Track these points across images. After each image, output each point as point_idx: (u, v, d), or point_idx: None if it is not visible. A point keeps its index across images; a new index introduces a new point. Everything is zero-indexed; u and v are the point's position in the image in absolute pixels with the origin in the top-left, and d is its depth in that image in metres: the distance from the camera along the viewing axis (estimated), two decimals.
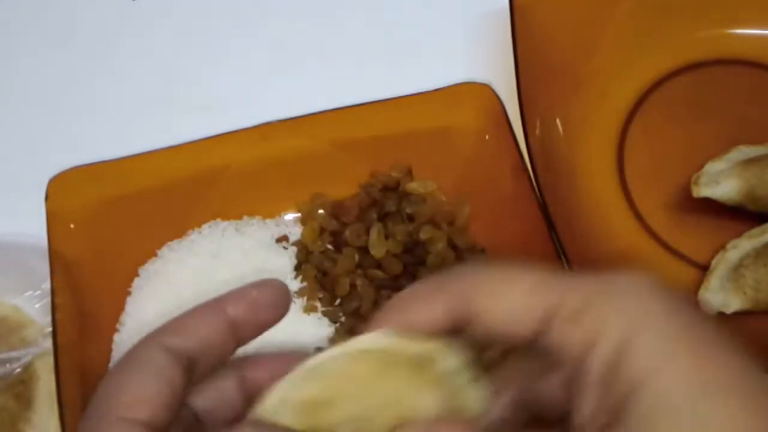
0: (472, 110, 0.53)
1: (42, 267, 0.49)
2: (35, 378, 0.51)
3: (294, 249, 0.53)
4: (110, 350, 0.50)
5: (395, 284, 0.51)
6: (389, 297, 0.50)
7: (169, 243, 0.53)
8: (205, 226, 0.54)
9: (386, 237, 0.52)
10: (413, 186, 0.54)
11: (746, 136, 0.54)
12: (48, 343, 0.49)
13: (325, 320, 0.51)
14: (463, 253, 0.52)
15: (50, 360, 0.47)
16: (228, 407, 0.30)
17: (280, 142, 0.53)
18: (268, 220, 0.55)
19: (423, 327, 0.27)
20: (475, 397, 0.28)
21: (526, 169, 0.51)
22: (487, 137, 0.53)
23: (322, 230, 0.53)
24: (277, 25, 0.64)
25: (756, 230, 0.51)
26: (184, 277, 0.51)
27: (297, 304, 0.51)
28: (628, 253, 0.53)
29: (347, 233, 0.52)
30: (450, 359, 0.28)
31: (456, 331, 0.28)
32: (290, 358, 0.29)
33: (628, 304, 0.26)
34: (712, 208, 0.52)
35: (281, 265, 0.52)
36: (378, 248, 0.51)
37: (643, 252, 0.53)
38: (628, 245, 0.53)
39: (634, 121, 0.57)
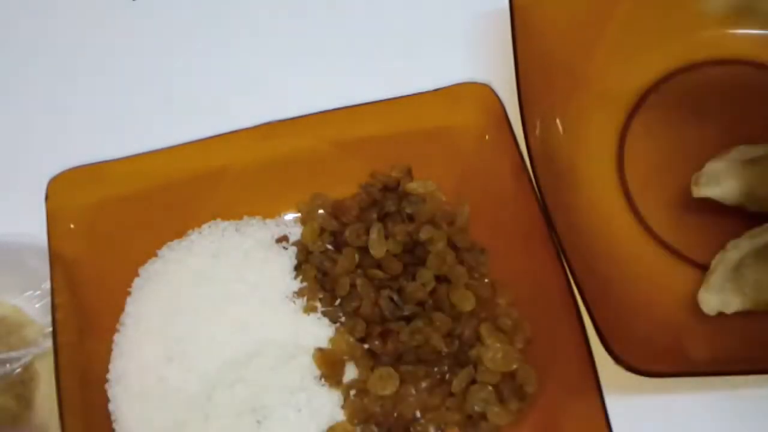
0: (472, 110, 0.53)
1: (42, 267, 0.50)
2: (35, 378, 0.51)
3: (294, 249, 0.53)
4: (110, 350, 0.50)
5: (395, 284, 0.51)
6: (389, 297, 0.50)
7: (169, 243, 0.53)
8: (205, 226, 0.54)
9: (386, 237, 0.52)
10: (413, 186, 0.54)
11: (746, 136, 0.54)
12: (48, 343, 0.50)
13: (325, 320, 0.51)
14: (463, 253, 0.52)
15: (50, 360, 0.47)
16: None
17: (280, 142, 0.53)
18: (268, 220, 0.55)
19: None
20: None
21: (526, 169, 0.51)
22: (487, 137, 0.53)
23: (322, 230, 0.53)
24: (277, 26, 0.64)
25: (756, 230, 0.51)
26: (184, 277, 0.51)
27: (297, 304, 0.51)
28: (628, 253, 0.53)
29: (347, 233, 0.52)
30: None
31: None
32: None
33: None
34: (712, 208, 0.52)
35: (281, 265, 0.52)
36: (378, 248, 0.51)
37: (644, 252, 0.53)
38: (628, 245, 0.53)
39: (635, 121, 0.57)
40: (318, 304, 0.51)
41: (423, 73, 0.55)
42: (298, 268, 0.52)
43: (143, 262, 0.53)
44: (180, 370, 0.49)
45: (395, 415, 0.49)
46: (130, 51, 0.64)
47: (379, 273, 0.51)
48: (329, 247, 0.53)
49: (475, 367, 0.49)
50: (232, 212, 0.54)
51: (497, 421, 0.48)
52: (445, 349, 0.50)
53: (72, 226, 0.51)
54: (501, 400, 0.49)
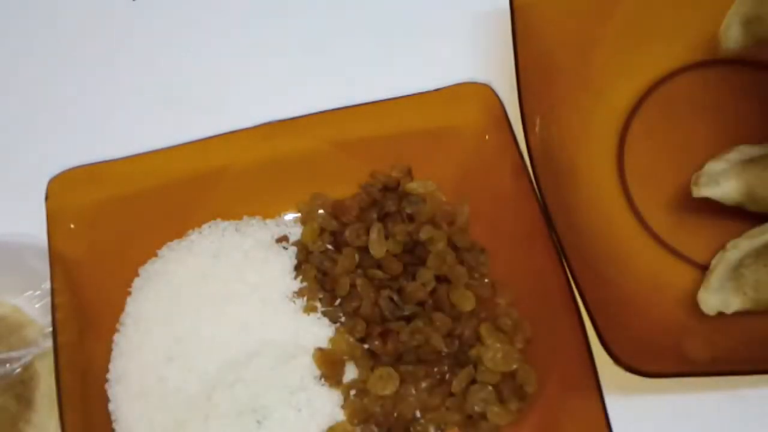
0: (472, 110, 0.53)
1: (42, 267, 0.50)
2: (35, 378, 0.51)
3: (294, 249, 0.53)
4: (110, 350, 0.50)
5: (395, 284, 0.51)
6: (389, 297, 0.50)
7: (169, 243, 0.53)
8: (205, 226, 0.54)
9: (386, 237, 0.52)
10: (413, 186, 0.54)
11: (746, 136, 0.54)
12: (48, 343, 0.50)
13: (325, 320, 0.51)
14: (463, 253, 0.52)
15: (50, 360, 0.47)
16: None
17: (280, 142, 0.53)
18: (268, 220, 0.55)
19: None
20: None
21: (526, 169, 0.51)
22: (487, 137, 0.53)
23: (322, 230, 0.53)
24: (277, 26, 0.64)
25: (756, 230, 0.51)
26: (184, 277, 0.51)
27: (297, 304, 0.51)
28: (628, 253, 0.53)
29: (347, 233, 0.52)
30: None
31: None
32: None
33: None
34: (712, 208, 0.52)
35: (281, 265, 0.52)
36: (378, 248, 0.51)
37: (643, 251, 0.53)
38: (628, 245, 0.53)
39: (634, 121, 0.57)
40: (318, 304, 0.51)
41: (423, 73, 0.55)
42: (298, 268, 0.52)
43: (143, 262, 0.53)
44: (180, 370, 0.49)
45: (395, 415, 0.49)
46: (130, 51, 0.64)
47: (379, 273, 0.51)
48: (329, 247, 0.53)
49: (475, 367, 0.49)
50: (232, 212, 0.54)
51: (497, 421, 0.48)
52: (445, 349, 0.50)
53: (72, 226, 0.51)
54: (501, 400, 0.49)
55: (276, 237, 0.54)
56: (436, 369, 0.50)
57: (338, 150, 0.54)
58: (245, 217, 0.54)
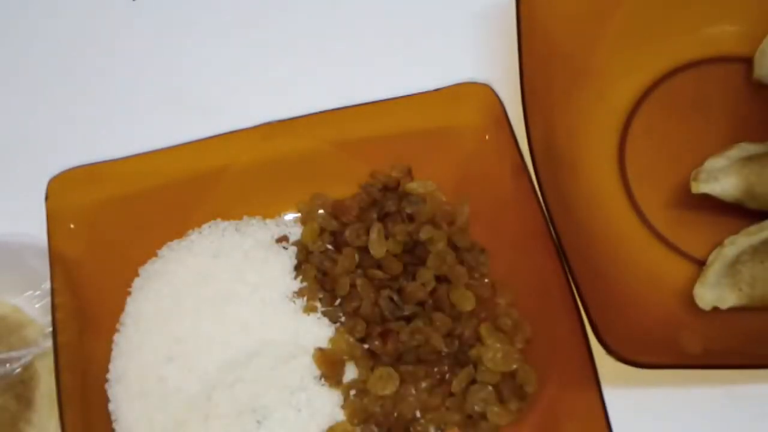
0: (472, 110, 0.53)
1: (42, 267, 0.50)
2: (35, 378, 0.51)
3: (294, 249, 0.53)
4: (110, 350, 0.50)
5: (395, 284, 0.51)
6: (389, 297, 0.50)
7: (169, 243, 0.53)
8: (205, 226, 0.54)
9: (386, 237, 0.52)
10: (413, 186, 0.54)
11: (747, 134, 0.54)
12: (48, 343, 0.50)
13: (325, 320, 0.51)
14: (463, 253, 0.52)
15: (50, 360, 0.47)
16: None
17: (280, 142, 0.53)
18: (268, 220, 0.55)
19: None
20: None
21: (526, 168, 0.51)
22: (487, 137, 0.53)
23: (322, 230, 0.53)
24: (277, 26, 0.64)
25: (754, 227, 0.51)
26: (184, 277, 0.51)
27: (297, 304, 0.51)
28: (627, 247, 0.53)
29: (347, 233, 0.52)
30: None
31: None
32: None
33: None
34: (710, 204, 0.52)
35: (281, 265, 0.52)
36: (378, 248, 0.51)
37: (642, 246, 0.53)
38: (627, 241, 0.53)
39: (636, 118, 0.57)
40: (318, 304, 0.51)
41: (423, 73, 0.55)
42: (298, 268, 0.52)
43: (143, 262, 0.53)
44: (180, 370, 0.49)
45: (395, 415, 0.49)
46: (130, 51, 0.64)
47: (379, 273, 0.51)
48: (329, 247, 0.53)
49: (475, 367, 0.49)
50: (232, 212, 0.54)
51: (497, 421, 0.48)
52: (445, 349, 0.50)
53: (72, 226, 0.51)
54: (501, 400, 0.49)
55: (276, 237, 0.54)
56: (436, 369, 0.50)
57: (338, 150, 0.54)
58: (245, 217, 0.54)
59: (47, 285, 0.49)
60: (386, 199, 0.53)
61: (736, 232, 0.51)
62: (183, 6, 0.66)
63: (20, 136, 0.61)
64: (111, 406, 0.49)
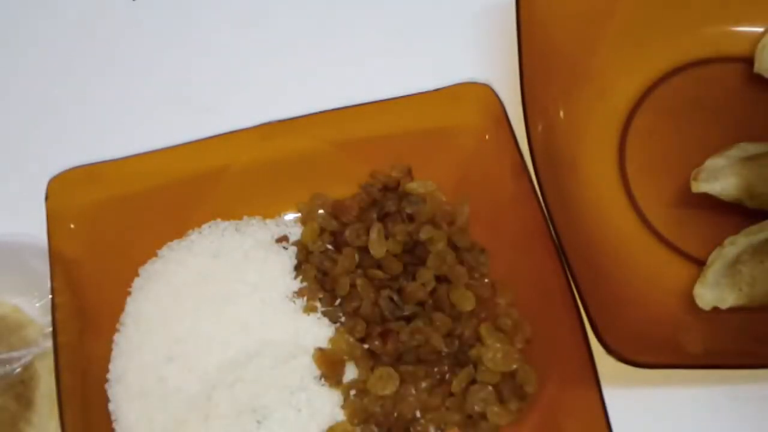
0: (472, 110, 0.53)
1: (42, 267, 0.50)
2: (35, 378, 0.51)
3: (294, 249, 0.53)
4: (110, 350, 0.50)
5: (395, 284, 0.51)
6: (389, 297, 0.50)
7: (169, 243, 0.53)
8: (205, 226, 0.54)
9: (386, 237, 0.52)
10: (413, 186, 0.54)
11: (748, 133, 0.54)
12: (48, 343, 0.50)
13: (325, 320, 0.51)
14: (463, 253, 0.52)
15: (50, 360, 0.47)
16: None
17: (280, 142, 0.53)
18: (268, 220, 0.55)
19: None
20: None
21: (526, 168, 0.51)
22: (487, 137, 0.53)
23: (322, 230, 0.53)
24: (277, 26, 0.64)
25: (754, 227, 0.51)
26: (184, 277, 0.51)
27: (297, 304, 0.51)
28: (627, 247, 0.53)
29: (347, 233, 0.52)
30: None
31: None
32: None
33: None
34: (711, 203, 0.52)
35: (281, 265, 0.52)
36: (378, 248, 0.51)
37: (642, 247, 0.53)
38: (627, 241, 0.53)
39: (636, 118, 0.57)
40: (318, 304, 0.51)
41: (423, 73, 0.55)
42: (298, 268, 0.52)
43: (143, 262, 0.53)
44: (180, 370, 0.49)
45: (395, 415, 0.49)
46: (130, 51, 0.64)
47: (379, 273, 0.51)
48: (329, 247, 0.53)
49: (475, 367, 0.49)
50: (232, 212, 0.54)
51: (497, 421, 0.48)
52: (445, 349, 0.50)
53: (72, 226, 0.51)
54: (501, 400, 0.49)
55: (276, 237, 0.54)
56: (436, 369, 0.50)
57: (338, 150, 0.54)
58: (245, 217, 0.54)
59: (47, 285, 0.49)
60: (386, 199, 0.53)
61: (736, 232, 0.51)
62: (183, 6, 0.66)
63: (20, 136, 0.61)
64: (111, 406, 0.49)
